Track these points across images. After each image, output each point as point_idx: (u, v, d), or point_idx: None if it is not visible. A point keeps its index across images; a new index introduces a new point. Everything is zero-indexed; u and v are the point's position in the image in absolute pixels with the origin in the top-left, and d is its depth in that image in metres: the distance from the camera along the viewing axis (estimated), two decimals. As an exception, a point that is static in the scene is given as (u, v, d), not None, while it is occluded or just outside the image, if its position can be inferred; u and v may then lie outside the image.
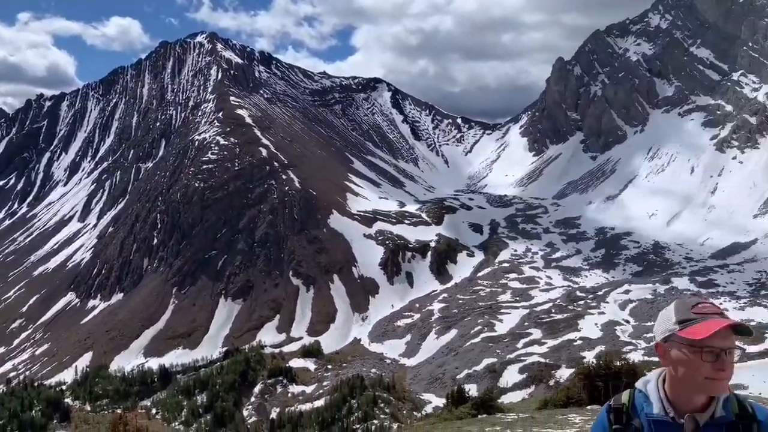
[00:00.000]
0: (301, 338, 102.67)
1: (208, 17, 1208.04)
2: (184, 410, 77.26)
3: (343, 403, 64.19)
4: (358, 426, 57.39)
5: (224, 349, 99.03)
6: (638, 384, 2.62)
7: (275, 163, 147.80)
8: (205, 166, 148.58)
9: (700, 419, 2.37)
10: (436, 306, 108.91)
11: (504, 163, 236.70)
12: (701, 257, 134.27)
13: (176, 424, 74.26)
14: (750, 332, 2.51)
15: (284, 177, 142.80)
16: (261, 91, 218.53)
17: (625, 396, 2.56)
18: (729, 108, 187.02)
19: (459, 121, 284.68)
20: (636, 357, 58.75)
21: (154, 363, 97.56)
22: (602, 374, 14.71)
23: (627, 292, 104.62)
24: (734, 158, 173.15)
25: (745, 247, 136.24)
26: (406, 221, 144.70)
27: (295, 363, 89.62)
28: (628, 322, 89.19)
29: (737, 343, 2.49)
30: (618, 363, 16.11)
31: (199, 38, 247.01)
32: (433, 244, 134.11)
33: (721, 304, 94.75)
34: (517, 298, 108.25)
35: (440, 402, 54.02)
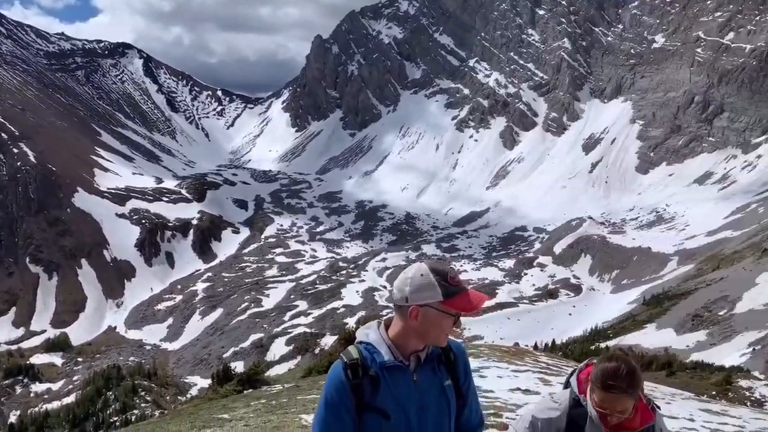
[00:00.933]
0: (44, 331, 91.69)
1: None
2: None
3: (97, 397, 59.03)
4: (116, 418, 53.36)
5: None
6: (360, 338, 2.84)
7: (3, 135, 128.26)
8: None
9: (422, 356, 2.77)
10: (200, 286, 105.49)
11: (267, 138, 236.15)
12: (445, 225, 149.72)
13: None
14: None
15: (15, 151, 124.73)
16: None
17: (353, 351, 2.74)
18: (466, 91, 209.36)
19: (219, 93, 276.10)
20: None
21: None
22: (361, 338, 15.50)
23: (384, 260, 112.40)
24: (471, 137, 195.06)
25: (480, 215, 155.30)
26: (165, 198, 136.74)
27: (38, 359, 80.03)
28: (385, 287, 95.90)
29: None
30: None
31: None
32: (195, 222, 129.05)
33: (461, 265, 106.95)
34: (284, 272, 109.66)
35: (206, 383, 52.70)
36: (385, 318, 2.93)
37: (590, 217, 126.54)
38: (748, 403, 24.14)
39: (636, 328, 61.83)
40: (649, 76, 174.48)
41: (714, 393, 26.42)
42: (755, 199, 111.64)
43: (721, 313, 57.73)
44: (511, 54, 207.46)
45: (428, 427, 2.73)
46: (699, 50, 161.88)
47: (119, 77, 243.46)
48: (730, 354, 46.49)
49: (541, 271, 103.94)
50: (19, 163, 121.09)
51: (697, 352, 49.14)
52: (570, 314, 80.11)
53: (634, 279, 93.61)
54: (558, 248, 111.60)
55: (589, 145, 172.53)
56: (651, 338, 56.28)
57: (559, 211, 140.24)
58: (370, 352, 2.75)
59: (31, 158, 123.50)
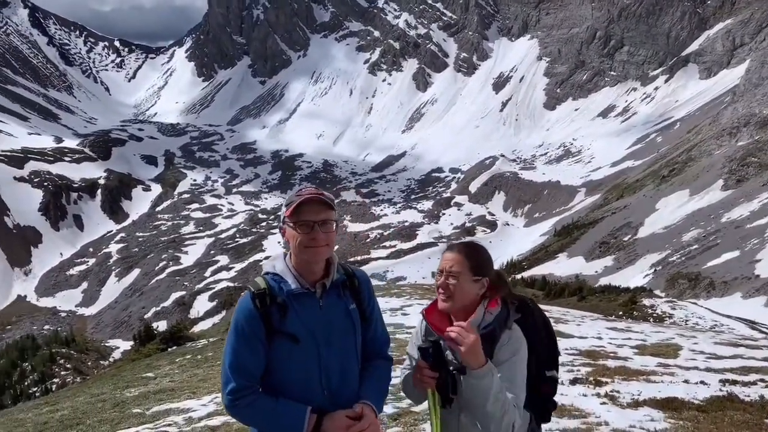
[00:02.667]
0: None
1: None
2: None
3: (13, 369, 56.52)
4: (35, 389, 51.49)
5: None
6: (266, 268, 2.88)
7: None
8: None
9: (327, 283, 2.82)
10: (114, 247, 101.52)
11: (172, 90, 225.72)
12: (364, 171, 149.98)
13: None
14: (331, 204, 2.84)
15: None
16: None
17: (261, 281, 2.80)
18: (377, 34, 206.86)
19: (117, 43, 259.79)
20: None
21: None
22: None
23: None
24: (384, 80, 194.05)
25: (397, 159, 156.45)
26: (67, 158, 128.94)
27: (-59, 337, 75.30)
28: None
29: (330, 216, 2.83)
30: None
31: None
32: (102, 182, 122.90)
33: (381, 210, 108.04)
34: (201, 228, 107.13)
35: (129, 345, 51.50)
36: (290, 250, 2.96)
37: (502, 155, 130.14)
38: (651, 320, 26.16)
39: (549, 259, 65.14)
40: (553, 13, 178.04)
41: (621, 313, 28.39)
42: (654, 129, 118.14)
43: (625, 239, 61.59)
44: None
45: (335, 347, 2.83)
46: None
47: (3, 30, 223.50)
48: (634, 276, 49.94)
49: (459, 210, 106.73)
50: None
51: (605, 276, 52.48)
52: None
53: (545, 212, 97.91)
54: (473, 187, 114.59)
55: (499, 84, 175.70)
56: (563, 267, 59.51)
57: (473, 151, 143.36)
58: (277, 282, 2.82)
59: None
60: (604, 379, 8.41)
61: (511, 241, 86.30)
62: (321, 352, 2.81)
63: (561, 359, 10.51)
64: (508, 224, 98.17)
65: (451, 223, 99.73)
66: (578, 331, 14.77)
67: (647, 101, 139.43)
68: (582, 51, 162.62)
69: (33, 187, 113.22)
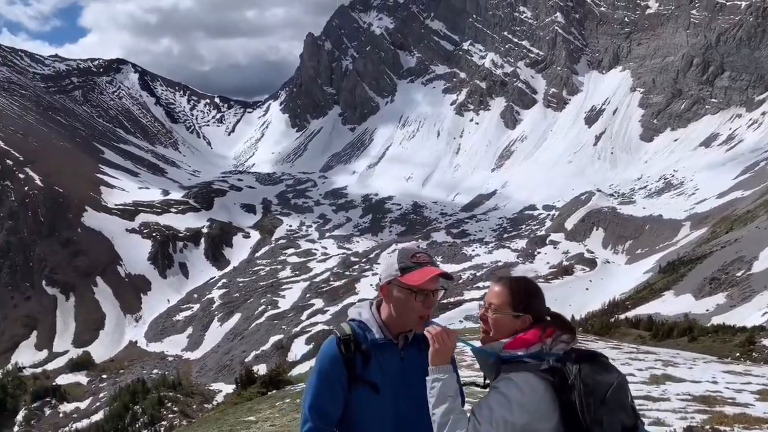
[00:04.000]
0: (66, 352, 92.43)
1: None
2: (-75, 462, 65.34)
3: (125, 412, 59.62)
4: (145, 431, 53.94)
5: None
6: (353, 316, 2.97)
7: (8, 161, 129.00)
8: None
9: (409, 336, 2.92)
10: (216, 293, 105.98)
11: (269, 141, 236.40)
12: (453, 211, 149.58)
13: None
14: (451, 278, 2.98)
15: (22, 176, 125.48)
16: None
17: (346, 327, 2.89)
18: (463, 75, 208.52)
19: (217, 100, 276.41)
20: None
21: None
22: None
23: (395, 251, 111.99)
24: (471, 120, 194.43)
25: (488, 198, 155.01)
26: (173, 209, 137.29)
27: (64, 379, 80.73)
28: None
29: (442, 284, 2.93)
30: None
31: None
32: (205, 230, 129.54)
33: (473, 250, 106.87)
34: (297, 272, 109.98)
35: (231, 389, 53.12)
36: (376, 299, 3.05)
37: (599, 190, 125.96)
38: (773, 361, 24.03)
39: (654, 297, 61.64)
40: (645, 43, 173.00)
41: (738, 355, 26.31)
42: (763, 157, 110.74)
43: (738, 274, 57.40)
44: (505, 33, 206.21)
45: (413, 400, 2.83)
46: (694, 12, 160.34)
47: (116, 93, 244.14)
48: (751, 314, 46.27)
49: (554, 248, 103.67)
50: (26, 188, 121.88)
51: (718, 315, 48.95)
52: (587, 289, 79.87)
53: (648, 248, 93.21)
54: (569, 224, 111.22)
55: (592, 117, 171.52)
56: (670, 305, 56.09)
57: (567, 187, 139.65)
58: (362, 330, 2.89)
59: (38, 182, 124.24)
60: (722, 428, 7.77)
61: (613, 279, 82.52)
62: (399, 403, 2.85)
63: (673, 405, 9.83)
64: (608, 262, 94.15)
65: (547, 262, 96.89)
66: (690, 374, 13.78)
67: (754, 127, 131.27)
68: (678, 79, 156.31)
69: (143, 237, 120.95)
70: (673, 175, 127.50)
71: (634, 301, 63.38)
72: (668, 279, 66.38)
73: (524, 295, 2.87)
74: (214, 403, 56.82)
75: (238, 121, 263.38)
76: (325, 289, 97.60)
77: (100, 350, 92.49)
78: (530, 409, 2.54)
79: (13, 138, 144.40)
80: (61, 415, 71.63)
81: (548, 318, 2.88)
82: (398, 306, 2.86)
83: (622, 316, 50.20)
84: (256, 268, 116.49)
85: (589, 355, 2.70)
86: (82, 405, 73.17)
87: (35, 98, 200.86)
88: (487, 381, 2.82)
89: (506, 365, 2.69)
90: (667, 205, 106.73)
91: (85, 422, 64.84)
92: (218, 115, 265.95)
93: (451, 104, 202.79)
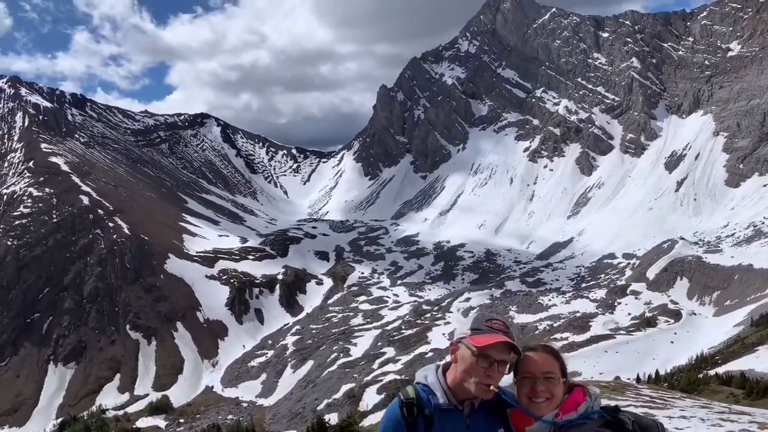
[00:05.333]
0: (147, 395, 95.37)
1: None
2: (14, 498, 68.11)
3: (200, 457, 60.60)
4: (219, 478, 54.44)
5: (59, 420, 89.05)
6: (418, 379, 2.98)
7: (99, 211, 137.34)
8: (17, 222, 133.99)
9: (475, 403, 2.89)
10: (290, 339, 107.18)
11: (342, 189, 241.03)
12: (528, 259, 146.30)
13: None
14: (520, 353, 2.91)
15: (111, 225, 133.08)
16: (76, 135, 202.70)
17: (410, 390, 2.90)
18: (536, 122, 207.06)
19: (294, 151, 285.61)
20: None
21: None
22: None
23: (467, 299, 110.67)
24: (545, 167, 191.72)
25: (564, 246, 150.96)
26: (250, 257, 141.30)
27: (144, 422, 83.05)
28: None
29: (510, 357, 2.89)
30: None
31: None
32: (280, 277, 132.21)
33: (550, 299, 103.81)
34: (369, 320, 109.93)
35: (302, 437, 52.98)
36: (443, 363, 3.04)
37: (682, 238, 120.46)
38: None
39: (746, 352, 57.55)
40: (728, 86, 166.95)
41: None
42: None
43: (842, 329, 52.97)
44: (579, 79, 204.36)
45: None
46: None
47: (200, 146, 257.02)
48: None
49: (636, 298, 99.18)
50: (115, 236, 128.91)
51: (820, 373, 45.07)
52: (672, 342, 75.65)
53: (738, 299, 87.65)
54: (651, 273, 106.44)
55: (672, 162, 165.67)
56: (765, 362, 52.17)
57: (648, 234, 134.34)
58: (426, 393, 2.87)
59: (126, 230, 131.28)
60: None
61: (700, 332, 77.87)
62: None
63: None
64: (694, 313, 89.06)
65: (629, 313, 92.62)
66: (792, 440, 12.68)
67: None
68: (766, 122, 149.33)
69: (221, 284, 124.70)
70: (763, 222, 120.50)
71: (724, 356, 59.39)
72: (762, 333, 61.94)
73: (564, 361, 2.93)
74: (286, 451, 56.82)
75: (313, 170, 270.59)
76: (396, 337, 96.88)
77: (179, 394, 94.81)
78: None
79: (105, 189, 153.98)
80: (140, 457, 73.41)
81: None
82: (461, 366, 2.84)
83: (712, 372, 47.10)
84: (329, 315, 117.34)
85: (617, 407, 2.87)
86: (160, 448, 74.79)
87: (125, 151, 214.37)
88: None
89: (562, 430, 2.74)
90: (757, 254, 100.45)
91: (162, 466, 66.12)
92: (294, 165, 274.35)
93: (524, 151, 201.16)
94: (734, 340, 65.89)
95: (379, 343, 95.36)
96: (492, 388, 2.81)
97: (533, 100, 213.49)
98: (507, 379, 3.10)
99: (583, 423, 2.71)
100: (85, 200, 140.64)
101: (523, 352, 2.97)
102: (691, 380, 43.77)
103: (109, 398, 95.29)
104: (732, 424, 15.03)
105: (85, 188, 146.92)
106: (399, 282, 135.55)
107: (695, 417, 15.33)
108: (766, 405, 27.72)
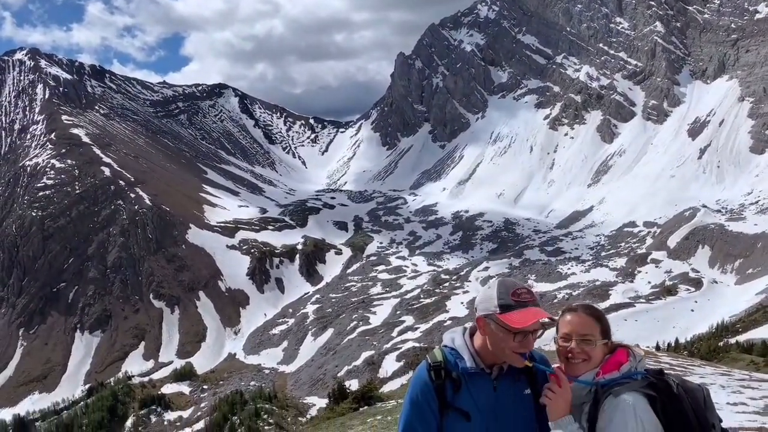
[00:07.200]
0: (171, 362, 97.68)
1: (14, 33, 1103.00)
2: (48, 460, 70.67)
3: (224, 422, 62.09)
4: (242, 442, 55.87)
5: (87, 386, 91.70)
6: (446, 342, 2.98)
7: (121, 182, 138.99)
8: (41, 193, 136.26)
9: (504, 366, 2.91)
10: (310, 308, 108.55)
11: (360, 159, 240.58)
12: (548, 228, 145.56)
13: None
14: (554, 321, 2.94)
15: (132, 196, 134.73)
16: (96, 107, 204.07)
17: (438, 353, 2.90)
18: (557, 89, 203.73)
19: (312, 121, 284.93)
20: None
21: (6, 414, 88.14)
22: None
23: (486, 269, 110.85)
24: (566, 134, 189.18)
25: (584, 215, 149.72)
26: (270, 227, 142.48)
27: (168, 389, 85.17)
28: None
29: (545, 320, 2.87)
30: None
31: (18, 55, 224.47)
32: (300, 247, 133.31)
33: (569, 268, 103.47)
34: (387, 289, 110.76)
35: (324, 403, 53.99)
36: (471, 325, 3.05)
37: (704, 206, 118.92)
38: None
39: (768, 320, 57.20)
40: (755, 50, 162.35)
41: None
42: None
43: None
44: (600, 45, 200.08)
45: (505, 431, 2.83)
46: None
47: (218, 116, 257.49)
48: None
49: (656, 267, 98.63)
50: (136, 207, 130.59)
51: (843, 341, 44.70)
52: (692, 310, 75.35)
53: (761, 267, 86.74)
54: (672, 242, 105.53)
55: (695, 129, 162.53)
56: (787, 330, 51.84)
57: (670, 203, 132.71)
58: (454, 357, 2.90)
59: (147, 201, 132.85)
60: None
61: (721, 300, 77.38)
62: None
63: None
64: (715, 282, 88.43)
65: (649, 281, 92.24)
66: (812, 407, 12.68)
67: None
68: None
69: (242, 254, 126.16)
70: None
71: (745, 324, 59.04)
72: (785, 301, 61.45)
73: (607, 322, 2.93)
74: (308, 416, 57.98)
75: (331, 140, 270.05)
76: (415, 306, 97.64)
77: (202, 361, 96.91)
78: (648, 428, 2.61)
79: (126, 160, 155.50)
80: (165, 423, 75.52)
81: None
82: (494, 341, 2.83)
83: (732, 340, 46.93)
84: (348, 284, 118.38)
85: (662, 369, 2.89)
86: (185, 414, 76.82)
87: (145, 122, 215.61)
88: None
89: (604, 390, 2.70)
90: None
91: (187, 431, 67.99)
92: (312, 136, 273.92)
93: (544, 119, 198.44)
94: (756, 308, 65.43)
95: (398, 312, 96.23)
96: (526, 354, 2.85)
97: (554, 66, 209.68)
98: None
99: (626, 382, 2.73)
100: (107, 171, 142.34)
101: (563, 313, 2.98)
102: (712, 348, 43.69)
103: (135, 365, 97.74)
104: (752, 391, 15.05)
105: (106, 159, 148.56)
106: (417, 252, 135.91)
107: (715, 384, 15.37)
108: (788, 373, 27.58)
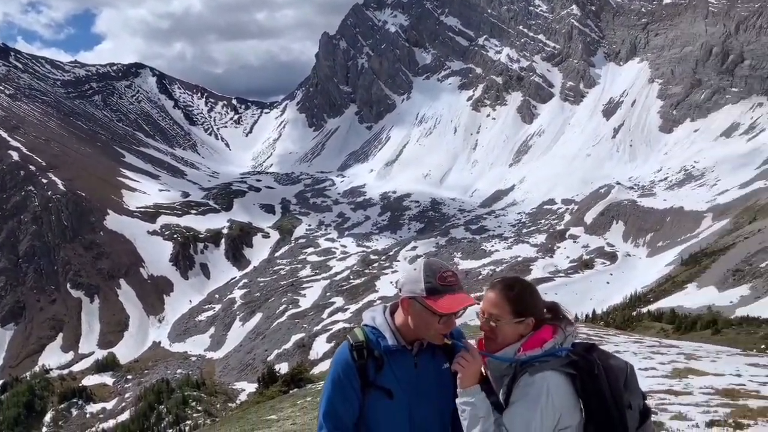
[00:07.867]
0: (92, 353, 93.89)
1: None
2: (-41, 463, 66.74)
3: (150, 411, 60.52)
4: (170, 431, 54.66)
5: (0, 382, 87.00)
6: (366, 321, 2.98)
7: (31, 167, 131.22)
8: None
9: (424, 342, 2.93)
10: (238, 293, 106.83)
11: (286, 141, 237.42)
12: (472, 207, 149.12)
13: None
14: (478, 303, 2.95)
15: (44, 181, 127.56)
16: (1, 87, 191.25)
17: (359, 333, 2.90)
18: (479, 70, 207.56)
19: (234, 102, 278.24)
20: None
21: None
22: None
23: (414, 248, 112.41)
24: (488, 116, 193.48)
25: (506, 194, 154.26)
26: (193, 211, 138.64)
27: (90, 381, 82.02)
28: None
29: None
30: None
31: None
32: (225, 231, 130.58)
33: (492, 245, 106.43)
34: (317, 271, 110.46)
35: (254, 387, 53.54)
36: (390, 303, 3.05)
37: (618, 183, 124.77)
38: (799, 354, 23.67)
39: (676, 290, 61.02)
40: (663, 33, 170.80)
41: (762, 347, 26.00)
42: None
43: (762, 266, 56.61)
44: (520, 27, 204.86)
45: (429, 406, 2.89)
46: (712, 0, 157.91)
47: (135, 97, 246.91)
48: (776, 306, 45.64)
49: (574, 242, 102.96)
50: (49, 193, 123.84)
51: (742, 307, 48.36)
52: (608, 283, 79.27)
53: (670, 240, 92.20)
54: (588, 218, 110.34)
55: (610, 109, 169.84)
56: (693, 298, 55.48)
57: (586, 181, 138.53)
58: (375, 335, 2.91)
59: (61, 186, 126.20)
60: (745, 421, 7.73)
61: (634, 272, 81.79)
62: (413, 409, 2.87)
63: (695, 399, 9.78)
64: (629, 255, 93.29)
65: (567, 256, 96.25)
66: (713, 368, 13.69)
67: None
68: (698, 69, 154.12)
69: (164, 239, 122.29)
70: (693, 167, 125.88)
71: (656, 294, 62.77)
72: (691, 271, 65.65)
73: (522, 301, 2.84)
74: (238, 402, 57.40)
75: (256, 122, 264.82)
76: (345, 287, 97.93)
77: (125, 351, 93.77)
78: (560, 406, 2.61)
79: (36, 143, 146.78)
80: (88, 415, 72.80)
81: (548, 312, 2.91)
82: (418, 322, 2.86)
83: (644, 310, 49.80)
84: (277, 268, 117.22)
85: (592, 345, 2.82)
86: (109, 405, 74.32)
87: (56, 104, 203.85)
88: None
89: (523, 367, 2.74)
90: (688, 197, 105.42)
91: (111, 422, 65.86)
92: (236, 117, 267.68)
93: (467, 100, 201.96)
94: (665, 279, 69.58)
95: (328, 294, 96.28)
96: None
97: (476, 48, 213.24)
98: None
99: (545, 360, 2.71)
100: (15, 156, 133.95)
101: (488, 287, 2.99)
102: (626, 318, 46.16)
103: (53, 358, 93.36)
104: (661, 356, 16.06)
105: (13, 143, 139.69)
106: (346, 233, 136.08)
107: (628, 351, 16.28)
108: (693, 338, 29.64)
